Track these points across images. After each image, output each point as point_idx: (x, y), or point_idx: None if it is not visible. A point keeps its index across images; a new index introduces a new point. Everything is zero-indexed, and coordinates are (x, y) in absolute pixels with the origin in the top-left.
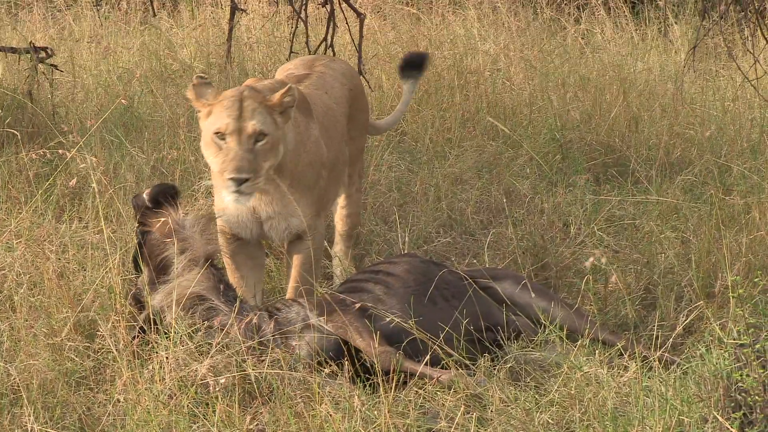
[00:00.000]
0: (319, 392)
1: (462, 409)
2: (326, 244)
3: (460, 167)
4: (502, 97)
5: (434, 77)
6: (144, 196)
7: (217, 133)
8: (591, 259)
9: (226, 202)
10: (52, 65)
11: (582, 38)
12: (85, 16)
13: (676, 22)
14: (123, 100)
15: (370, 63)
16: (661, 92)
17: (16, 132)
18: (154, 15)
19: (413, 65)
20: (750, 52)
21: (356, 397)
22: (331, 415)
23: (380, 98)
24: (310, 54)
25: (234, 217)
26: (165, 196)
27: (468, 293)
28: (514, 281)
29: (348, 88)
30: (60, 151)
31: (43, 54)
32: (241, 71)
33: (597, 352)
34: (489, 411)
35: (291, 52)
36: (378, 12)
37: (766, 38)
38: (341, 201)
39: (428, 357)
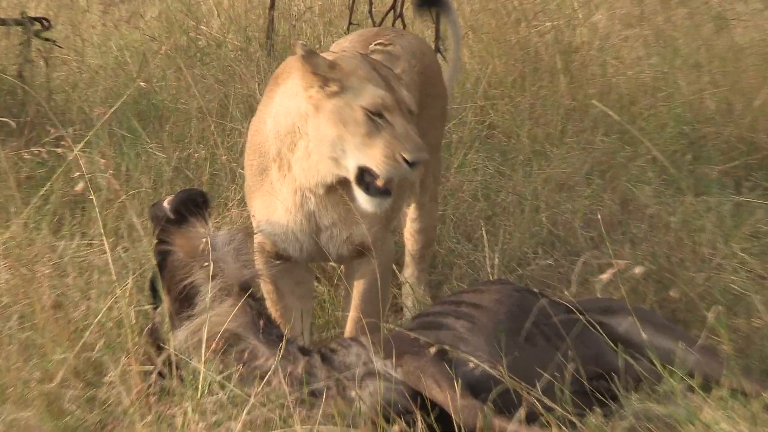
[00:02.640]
0: None
1: None
2: (395, 267)
3: (564, 170)
4: (616, 81)
5: (530, 57)
6: (165, 205)
7: (370, 110)
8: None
9: (362, 205)
10: (48, 40)
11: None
12: None
13: None
14: (142, 83)
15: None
16: None
17: (8, 121)
18: None
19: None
20: None
21: None
22: None
23: (462, 81)
24: (374, 26)
25: (283, 228)
26: (191, 206)
27: (575, 330)
28: (633, 315)
29: (419, 70)
30: (59, 150)
31: (38, 26)
32: (285, 48)
33: (737, 405)
34: None
35: (350, 23)
36: None
37: None
38: (411, 213)
39: (524, 412)
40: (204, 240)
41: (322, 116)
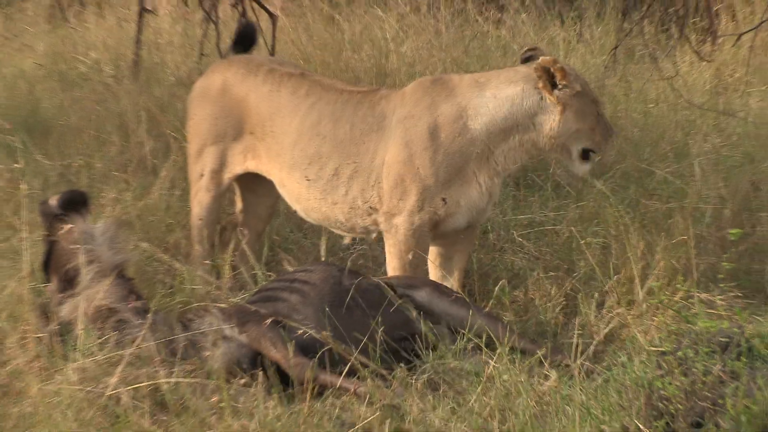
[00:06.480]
0: (230, 404)
1: (379, 417)
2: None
3: None
4: None
5: (353, 80)
6: (52, 202)
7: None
8: None
9: (582, 173)
10: None
11: (501, 40)
12: None
13: (596, 23)
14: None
15: None
16: None
17: None
18: (66, 20)
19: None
20: (673, 54)
21: (270, 408)
22: (244, 426)
23: None
24: (221, 56)
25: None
26: (74, 204)
27: (384, 302)
28: (431, 289)
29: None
30: None
31: None
32: (150, 74)
33: (516, 360)
34: (406, 421)
35: (201, 54)
36: (292, 13)
37: (689, 40)
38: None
39: (345, 368)
40: (84, 232)
41: (569, 112)
